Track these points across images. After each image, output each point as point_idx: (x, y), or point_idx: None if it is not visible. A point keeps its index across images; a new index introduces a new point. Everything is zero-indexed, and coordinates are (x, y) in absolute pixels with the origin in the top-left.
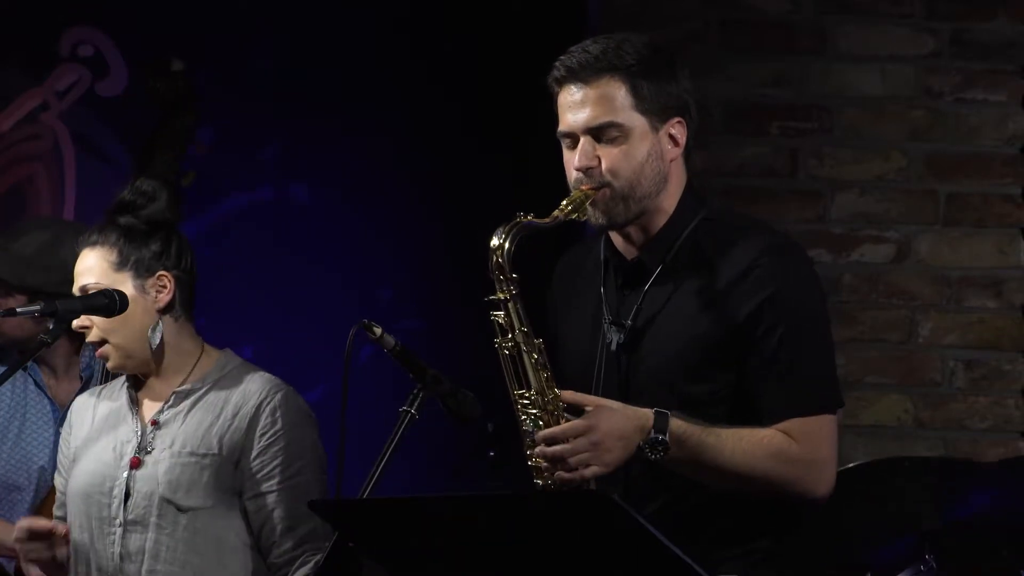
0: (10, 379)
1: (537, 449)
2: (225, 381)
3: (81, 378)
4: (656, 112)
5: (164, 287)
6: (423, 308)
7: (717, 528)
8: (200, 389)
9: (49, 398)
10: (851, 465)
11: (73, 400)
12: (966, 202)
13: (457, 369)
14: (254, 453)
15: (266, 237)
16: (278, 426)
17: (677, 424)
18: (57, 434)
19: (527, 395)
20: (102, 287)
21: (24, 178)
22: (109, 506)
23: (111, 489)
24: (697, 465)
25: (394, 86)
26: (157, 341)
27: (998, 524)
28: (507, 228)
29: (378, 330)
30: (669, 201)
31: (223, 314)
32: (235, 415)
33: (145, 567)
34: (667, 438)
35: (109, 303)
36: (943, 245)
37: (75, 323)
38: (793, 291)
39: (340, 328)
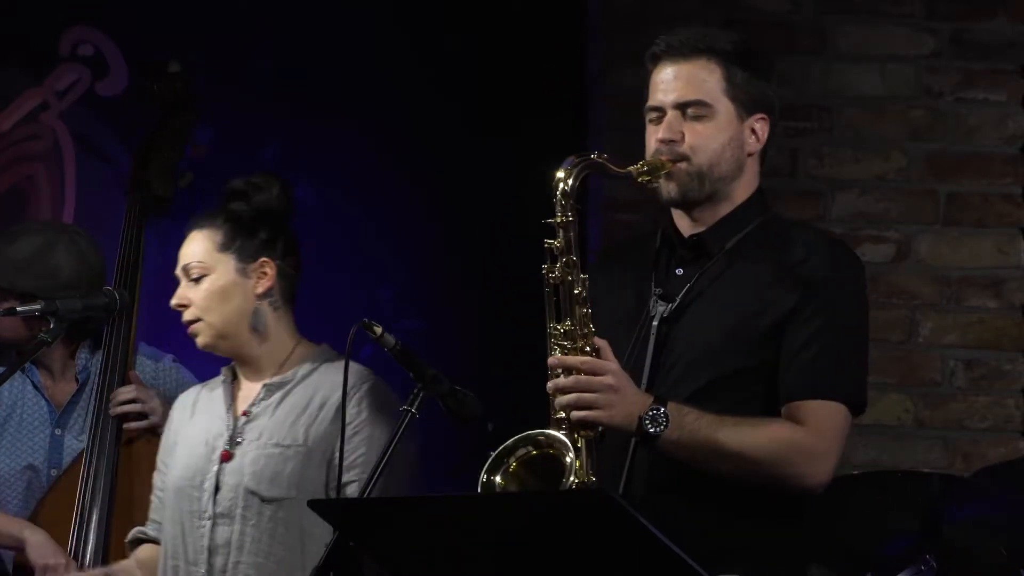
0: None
1: (553, 382)
2: (317, 374)
3: (77, 380)
4: (744, 102)
5: (265, 274)
6: (423, 308)
7: (715, 516)
8: (291, 381)
9: (47, 399)
10: (852, 473)
11: (174, 402)
12: (966, 202)
13: (457, 369)
14: (338, 444)
15: None
16: (362, 416)
17: (676, 404)
18: (54, 435)
19: (562, 327)
20: (204, 267)
21: (24, 178)
22: (200, 499)
23: (202, 483)
24: (695, 445)
25: (394, 86)
26: (262, 326)
27: (998, 524)
28: (577, 160)
29: (378, 329)
30: (741, 192)
31: None
32: (322, 406)
33: (231, 559)
34: (667, 411)
35: (109, 302)
36: (943, 245)
37: (173, 301)
38: (845, 285)
39: (341, 327)
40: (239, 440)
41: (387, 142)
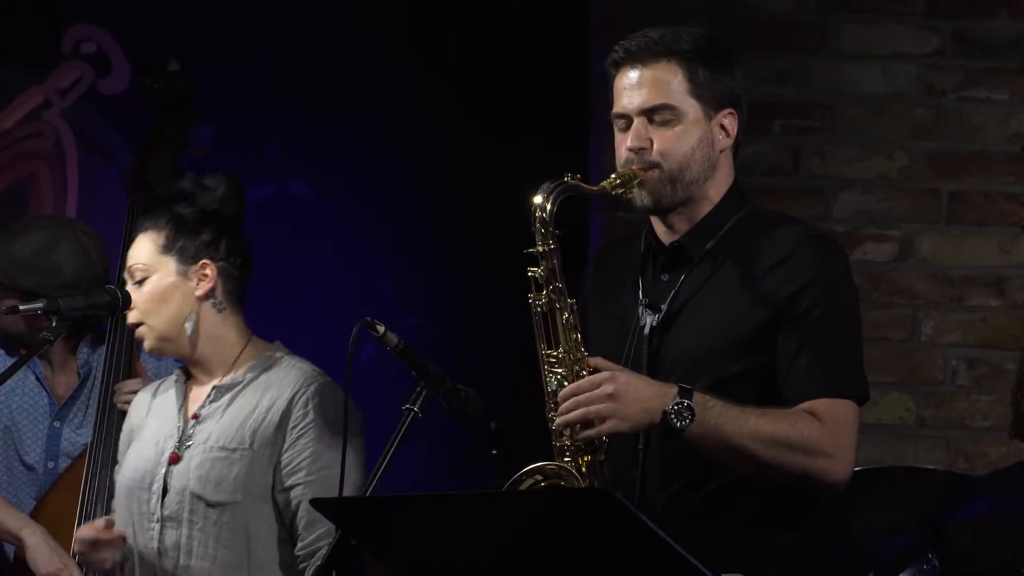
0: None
1: (559, 412)
2: (266, 374)
3: (79, 375)
4: (710, 100)
5: (206, 276)
6: (426, 306)
7: (729, 518)
8: (240, 383)
9: (48, 392)
10: (853, 471)
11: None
12: (969, 200)
13: (460, 367)
14: (285, 446)
15: (268, 234)
16: (309, 418)
17: (701, 395)
18: (52, 427)
19: (555, 354)
20: (146, 269)
21: (26, 176)
22: (148, 502)
23: (150, 485)
24: (720, 439)
25: (394, 86)
26: (191, 329)
27: (1000, 523)
28: (552, 186)
29: (381, 328)
30: (716, 191)
31: None
32: (269, 408)
33: (180, 562)
34: (693, 404)
35: (112, 301)
36: (945, 244)
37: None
38: (833, 279)
39: (343, 325)
40: (188, 443)
41: (388, 141)
